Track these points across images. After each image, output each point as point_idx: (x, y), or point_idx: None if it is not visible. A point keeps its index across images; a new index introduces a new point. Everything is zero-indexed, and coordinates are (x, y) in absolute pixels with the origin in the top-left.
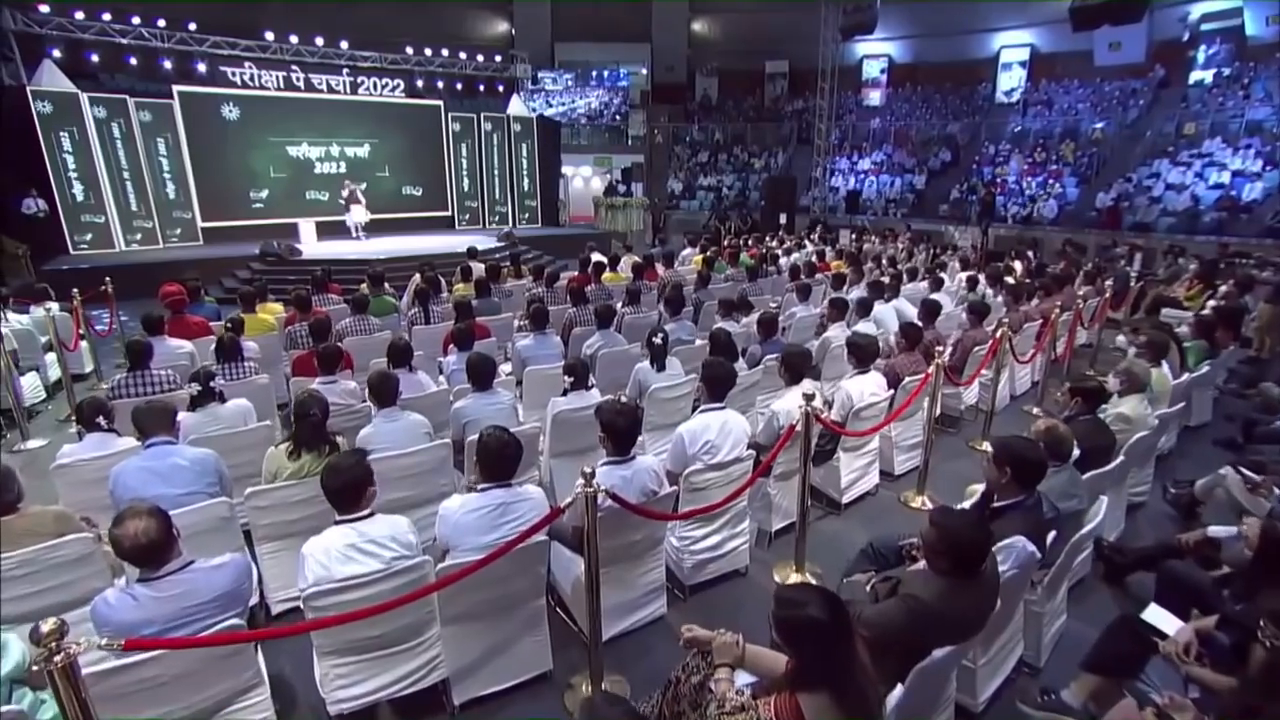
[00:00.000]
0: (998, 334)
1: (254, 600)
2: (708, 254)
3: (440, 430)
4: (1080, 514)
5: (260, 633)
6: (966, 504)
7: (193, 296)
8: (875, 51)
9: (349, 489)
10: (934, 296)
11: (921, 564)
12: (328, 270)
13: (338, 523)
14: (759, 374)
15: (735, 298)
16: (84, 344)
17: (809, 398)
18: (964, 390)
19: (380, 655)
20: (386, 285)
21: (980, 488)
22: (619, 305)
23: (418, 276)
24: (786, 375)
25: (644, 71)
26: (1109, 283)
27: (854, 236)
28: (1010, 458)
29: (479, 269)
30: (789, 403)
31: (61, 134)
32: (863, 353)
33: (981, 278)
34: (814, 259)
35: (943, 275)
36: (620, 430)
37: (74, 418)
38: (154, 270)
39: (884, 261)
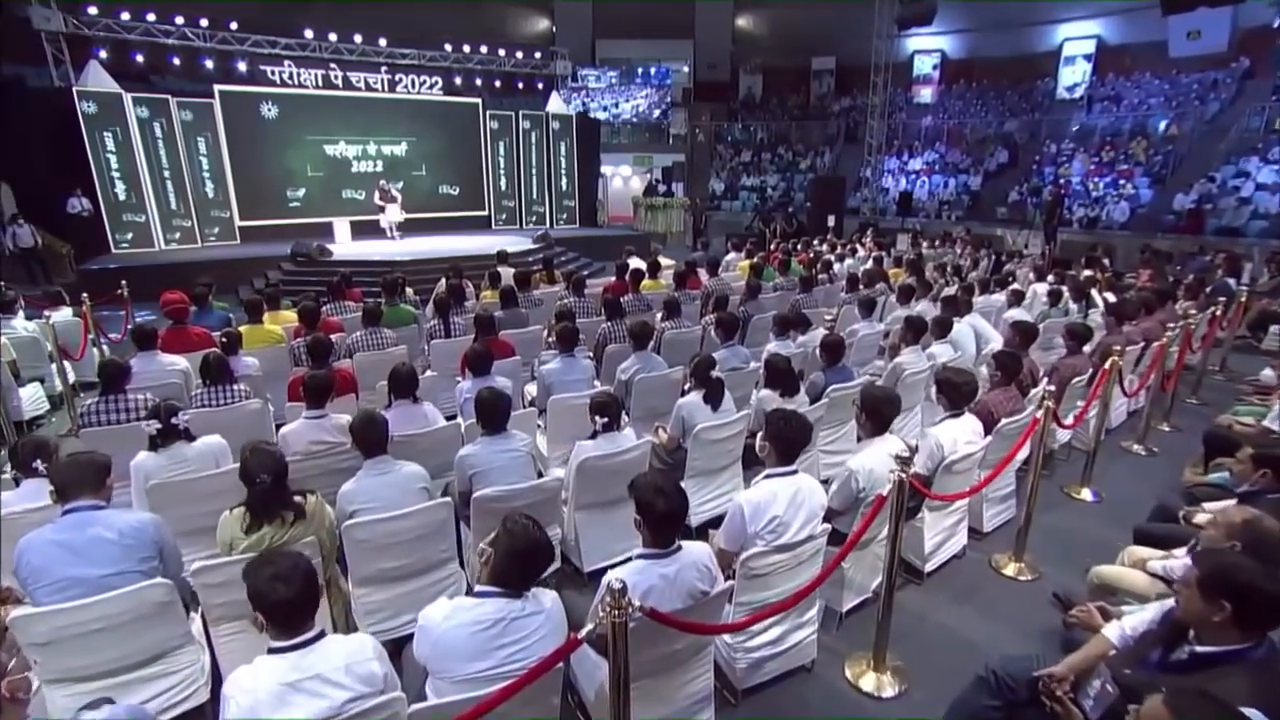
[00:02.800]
0: (1107, 364)
1: (205, 698)
2: (755, 260)
3: (444, 473)
4: None
5: None
6: (1125, 623)
7: (200, 303)
8: (927, 46)
9: (282, 611)
10: (1015, 313)
11: None
12: (347, 275)
13: (271, 651)
14: (822, 409)
15: (791, 313)
16: (95, 351)
17: (904, 461)
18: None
19: None
20: (410, 291)
21: (1113, 574)
22: (658, 317)
23: (442, 283)
24: (869, 425)
25: (685, 69)
26: (1220, 297)
27: (912, 241)
28: (1234, 591)
29: (508, 274)
30: (872, 460)
31: (105, 134)
32: (958, 394)
33: (1065, 291)
34: (871, 266)
35: (1017, 287)
36: (663, 516)
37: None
38: (190, 269)
39: (947, 270)
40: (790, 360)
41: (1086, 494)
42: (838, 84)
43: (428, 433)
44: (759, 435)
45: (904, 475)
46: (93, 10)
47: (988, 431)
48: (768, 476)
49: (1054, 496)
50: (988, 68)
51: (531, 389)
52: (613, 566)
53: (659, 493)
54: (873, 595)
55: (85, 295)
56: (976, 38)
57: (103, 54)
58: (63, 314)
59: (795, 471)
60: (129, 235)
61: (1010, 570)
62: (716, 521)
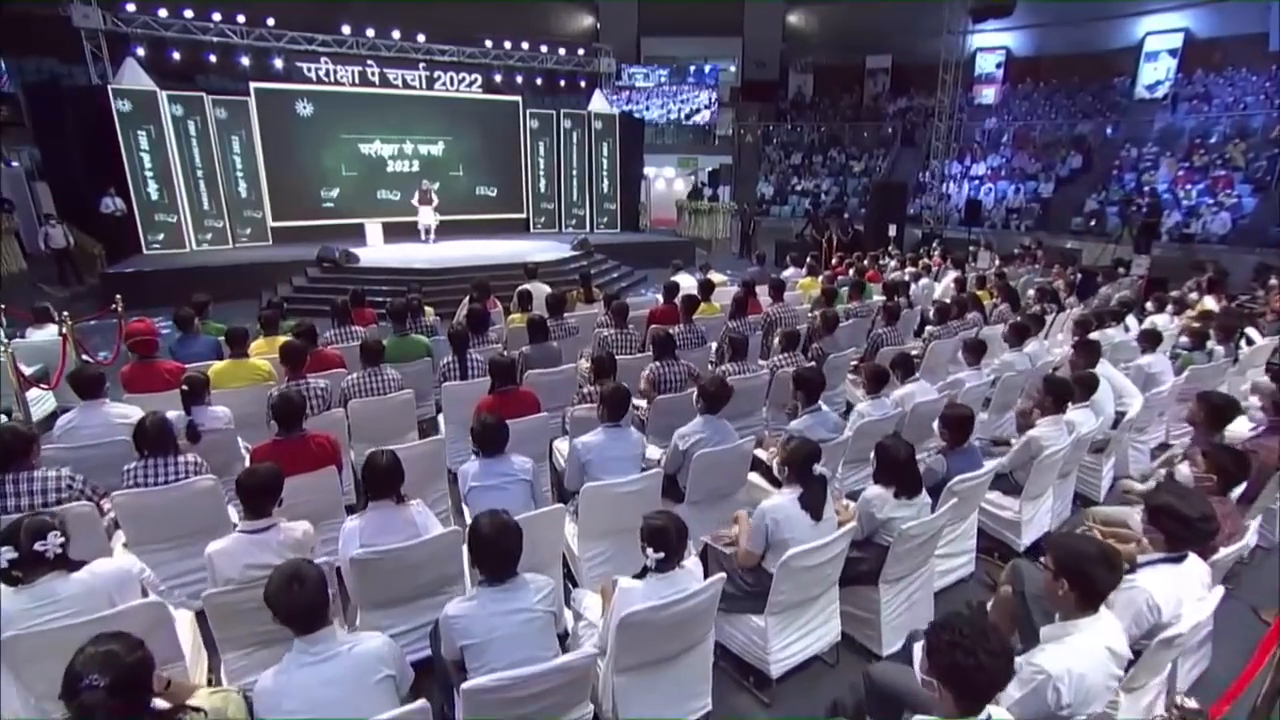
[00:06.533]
0: None
1: None
2: (822, 280)
3: (445, 589)
4: None
5: None
6: None
7: (184, 326)
8: (991, 44)
9: None
10: (1152, 362)
11: None
12: (360, 292)
13: None
14: (945, 516)
15: (889, 360)
16: None
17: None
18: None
19: None
20: (429, 311)
21: None
22: (710, 349)
23: (463, 307)
24: (1072, 596)
25: (733, 68)
26: None
27: (994, 257)
28: None
29: (539, 292)
30: (1080, 660)
31: (139, 132)
32: (1189, 531)
33: (1211, 331)
34: (953, 288)
35: (1147, 325)
36: None
37: None
38: (216, 273)
39: (1045, 296)
40: (913, 448)
41: None
42: (894, 83)
43: (416, 545)
44: (919, 667)
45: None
46: (131, 7)
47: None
48: None
49: (1243, 621)
50: (1056, 65)
51: (563, 446)
52: None
53: None
54: None
55: (65, 314)
56: (1044, 33)
57: (140, 51)
58: (47, 332)
59: None
60: (160, 236)
61: None
62: (803, 667)
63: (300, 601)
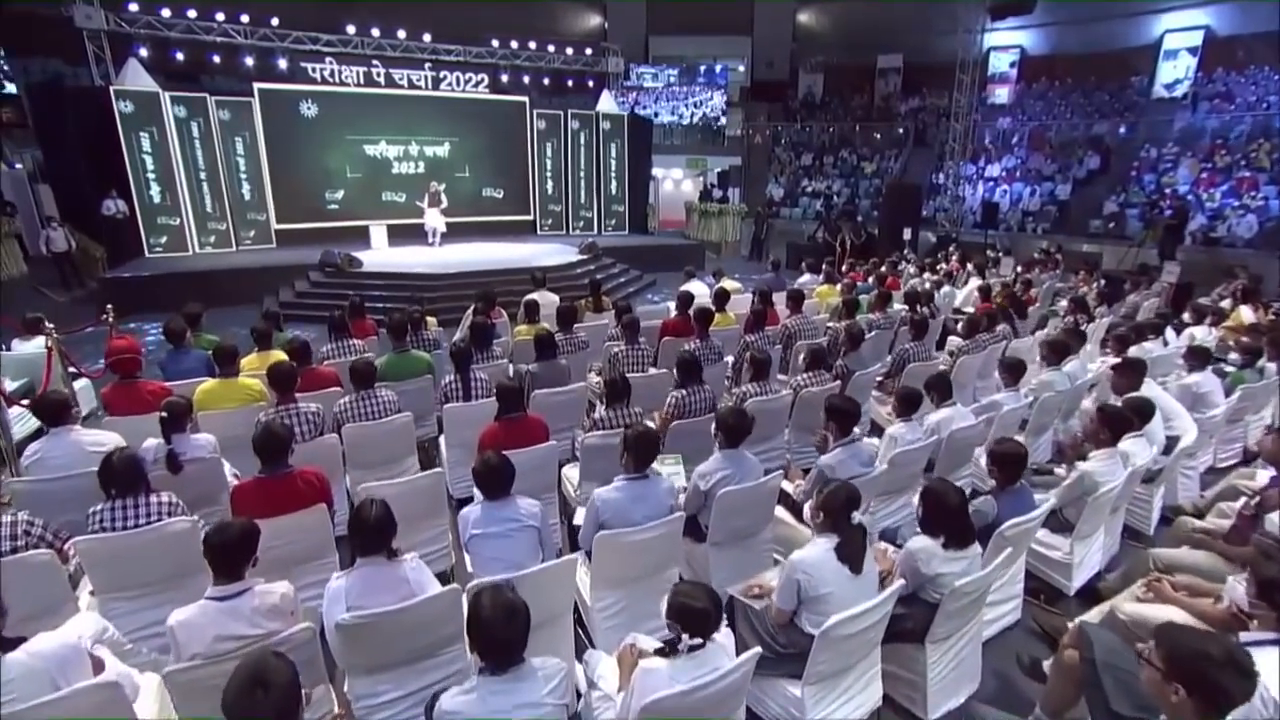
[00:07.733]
0: None
1: None
2: (842, 289)
3: (443, 649)
4: None
5: None
6: None
7: (175, 338)
8: (1005, 43)
9: None
10: (1201, 381)
11: None
12: (358, 303)
13: None
14: (1000, 570)
15: (923, 380)
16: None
17: None
18: None
19: None
20: (432, 322)
21: None
22: (726, 362)
23: (465, 321)
24: (1194, 704)
25: (741, 68)
26: None
27: (1018, 266)
28: None
29: (547, 302)
30: None
31: (141, 134)
32: None
33: (1264, 346)
34: (978, 297)
35: (1173, 334)
36: None
37: None
38: (216, 278)
39: (1078, 307)
40: (964, 493)
41: None
42: (905, 83)
43: (411, 607)
44: None
45: None
46: (134, 7)
47: None
48: None
49: None
50: (1072, 64)
51: (573, 475)
52: None
53: None
54: None
55: (52, 325)
56: (1059, 32)
57: (143, 52)
58: (35, 344)
59: None
60: (163, 239)
61: None
62: None
63: (262, 714)
